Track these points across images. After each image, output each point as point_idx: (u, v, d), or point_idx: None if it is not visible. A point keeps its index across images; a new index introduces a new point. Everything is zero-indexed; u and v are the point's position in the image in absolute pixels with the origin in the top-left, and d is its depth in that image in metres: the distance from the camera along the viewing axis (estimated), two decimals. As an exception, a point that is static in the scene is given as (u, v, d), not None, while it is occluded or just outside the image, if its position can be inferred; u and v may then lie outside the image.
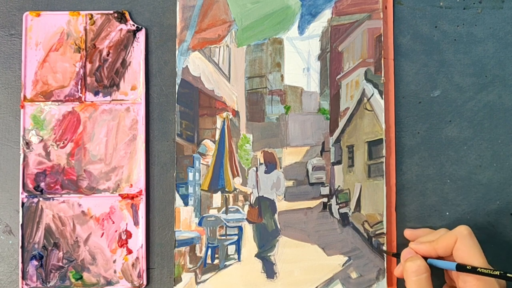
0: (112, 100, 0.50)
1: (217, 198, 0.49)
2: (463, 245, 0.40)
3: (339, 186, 0.49)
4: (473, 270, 0.39)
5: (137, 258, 0.49)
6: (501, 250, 0.50)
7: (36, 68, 0.49)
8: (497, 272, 0.38)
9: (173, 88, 0.50)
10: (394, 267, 0.49)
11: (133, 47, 0.50)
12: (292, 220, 0.49)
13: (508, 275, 0.38)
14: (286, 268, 0.48)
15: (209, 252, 0.49)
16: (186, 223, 0.49)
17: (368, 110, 0.49)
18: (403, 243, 0.49)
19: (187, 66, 0.50)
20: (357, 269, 0.48)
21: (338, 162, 0.49)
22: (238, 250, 0.49)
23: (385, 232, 0.48)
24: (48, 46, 0.50)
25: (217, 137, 0.50)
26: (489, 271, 0.38)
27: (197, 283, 0.48)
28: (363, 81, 0.50)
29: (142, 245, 0.49)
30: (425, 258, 0.42)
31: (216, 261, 0.49)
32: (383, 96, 0.49)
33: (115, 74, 0.50)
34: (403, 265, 0.42)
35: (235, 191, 0.49)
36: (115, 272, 0.48)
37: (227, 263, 0.49)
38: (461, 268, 0.40)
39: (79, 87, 0.50)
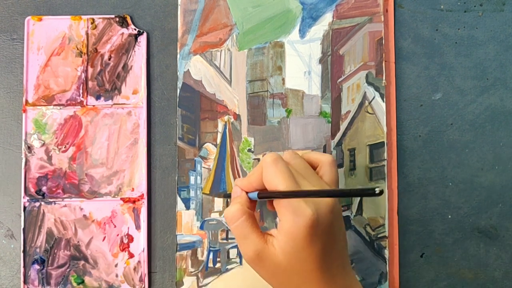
0: (114, 104, 0.50)
1: (218, 201, 0.49)
2: (265, 173, 0.38)
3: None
4: (266, 195, 0.38)
5: (139, 262, 0.49)
6: (504, 253, 0.49)
7: (38, 73, 0.50)
8: (280, 193, 0.36)
9: (174, 92, 0.50)
10: (396, 270, 0.48)
11: (134, 51, 0.50)
12: (294, 224, 0.49)
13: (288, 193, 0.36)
14: (288, 272, 0.48)
15: (211, 256, 0.49)
16: (187, 226, 0.49)
17: (370, 113, 0.49)
18: (405, 245, 0.49)
19: (188, 70, 0.50)
20: (359, 273, 0.48)
21: (340, 165, 0.49)
22: (240, 254, 0.49)
23: (387, 235, 0.48)
24: (50, 51, 0.50)
25: (218, 140, 0.50)
26: (279, 194, 0.36)
27: (199, 287, 0.48)
28: (364, 84, 0.50)
29: (143, 249, 0.49)
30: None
31: (218, 265, 0.49)
32: (384, 99, 0.49)
33: (116, 78, 0.50)
34: None
35: (236, 195, 0.49)
36: (116, 276, 0.48)
37: (228, 266, 0.49)
38: (261, 195, 0.38)
39: (81, 91, 0.50)
